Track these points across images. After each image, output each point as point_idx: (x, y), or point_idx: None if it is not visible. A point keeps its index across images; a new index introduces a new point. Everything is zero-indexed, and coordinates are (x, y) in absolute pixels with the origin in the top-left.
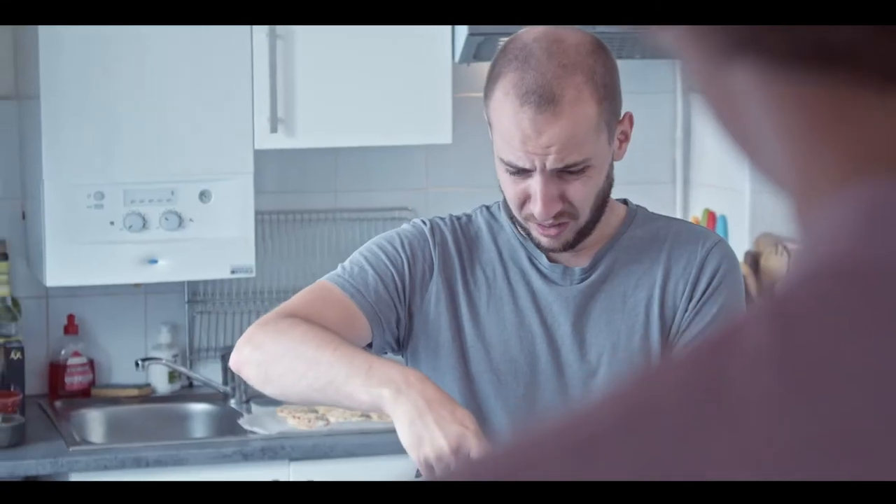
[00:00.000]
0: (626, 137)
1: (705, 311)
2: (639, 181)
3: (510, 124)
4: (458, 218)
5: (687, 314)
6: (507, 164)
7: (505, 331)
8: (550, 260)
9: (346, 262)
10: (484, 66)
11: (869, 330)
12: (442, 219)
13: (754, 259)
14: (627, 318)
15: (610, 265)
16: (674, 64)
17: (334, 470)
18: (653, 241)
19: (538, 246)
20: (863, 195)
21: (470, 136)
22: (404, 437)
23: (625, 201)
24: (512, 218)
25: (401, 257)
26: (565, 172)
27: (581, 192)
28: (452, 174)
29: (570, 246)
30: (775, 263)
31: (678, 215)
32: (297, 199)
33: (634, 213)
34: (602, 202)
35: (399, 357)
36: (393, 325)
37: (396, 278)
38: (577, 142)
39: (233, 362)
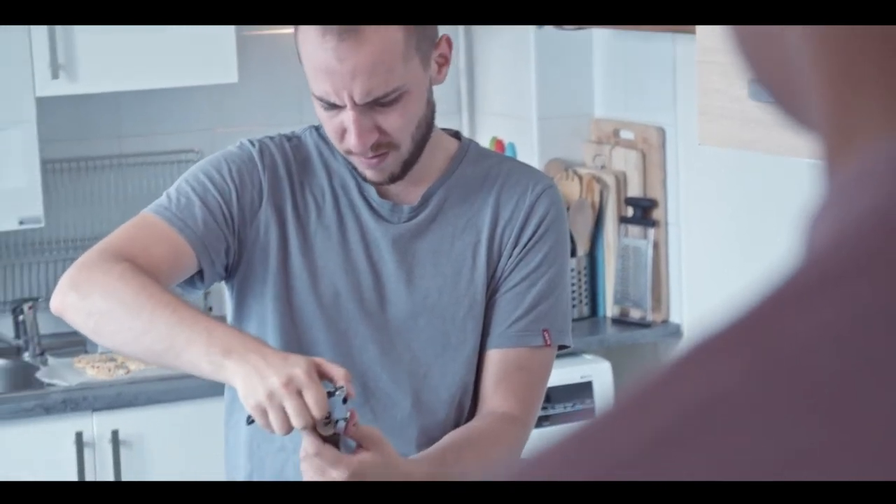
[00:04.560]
0: (445, 61)
1: (529, 259)
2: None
3: (314, 56)
4: (289, 139)
5: (511, 260)
6: (319, 98)
7: (331, 262)
8: (380, 195)
9: (172, 191)
10: None
11: None
12: (272, 138)
13: None
14: (454, 262)
15: (439, 204)
16: None
17: (139, 417)
18: (483, 181)
19: (364, 179)
20: None
21: (257, 74)
22: (242, 394)
23: (456, 134)
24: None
25: (228, 186)
26: (377, 104)
27: (397, 122)
28: (240, 114)
29: (396, 178)
30: (566, 189)
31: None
32: (82, 145)
33: (466, 149)
34: (425, 130)
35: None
36: (222, 255)
37: (224, 208)
38: (383, 69)
39: (55, 305)
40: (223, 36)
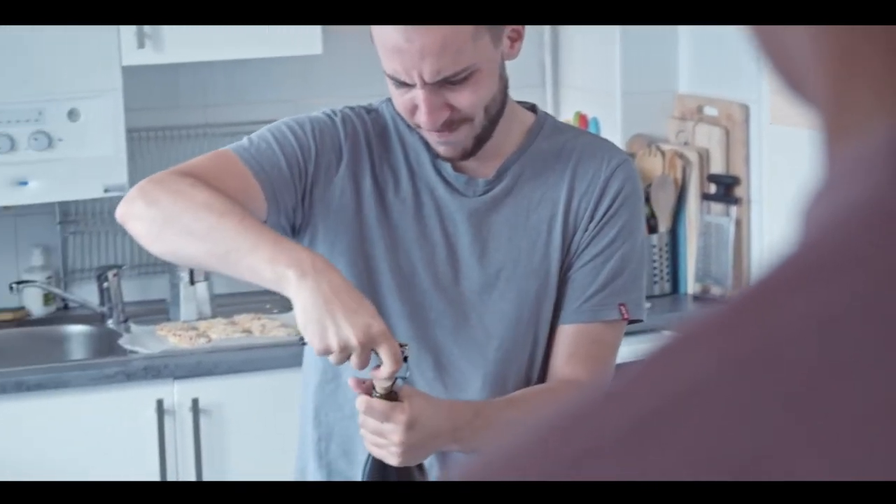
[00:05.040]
0: (518, 36)
1: (604, 233)
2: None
3: (384, 35)
4: (368, 111)
5: (586, 234)
6: (390, 76)
7: (407, 234)
8: (455, 169)
9: (254, 136)
10: None
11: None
12: (353, 109)
13: None
14: (529, 235)
15: (515, 178)
16: None
17: (219, 386)
18: (559, 156)
19: (438, 155)
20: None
21: (341, 46)
22: (306, 324)
23: (533, 108)
24: None
25: (309, 143)
26: (447, 83)
27: (468, 100)
28: (324, 85)
29: (469, 154)
30: (649, 164)
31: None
32: (168, 115)
33: (542, 123)
34: (499, 105)
35: None
36: (289, 209)
37: (301, 163)
38: (452, 50)
39: (120, 214)
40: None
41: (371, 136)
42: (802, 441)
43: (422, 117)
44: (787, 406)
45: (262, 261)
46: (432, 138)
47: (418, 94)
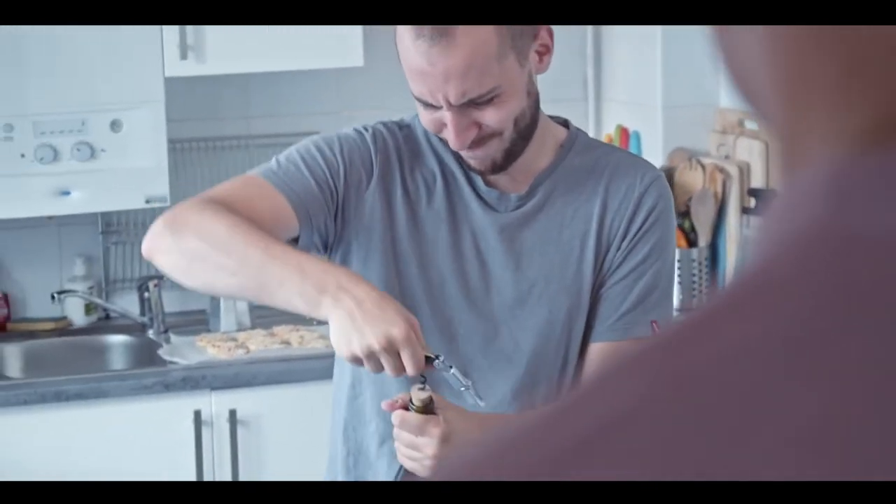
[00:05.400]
0: (546, 50)
1: (637, 251)
2: (551, 98)
3: (409, 58)
4: (401, 127)
5: (619, 252)
6: (416, 97)
7: (439, 249)
8: (488, 184)
9: (282, 158)
10: None
11: (842, 306)
12: (385, 125)
13: (668, 174)
14: (562, 251)
15: (547, 194)
16: None
17: (257, 397)
18: (591, 172)
19: (470, 168)
20: (848, 161)
21: (382, 58)
22: (337, 341)
23: (565, 123)
24: None
25: (337, 162)
26: (473, 104)
27: (495, 118)
28: (365, 97)
29: (500, 168)
30: (689, 178)
31: (591, 132)
32: (210, 126)
33: (574, 139)
34: (529, 120)
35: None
36: (322, 228)
37: (331, 182)
38: (476, 73)
39: (146, 248)
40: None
41: (403, 150)
42: (726, 462)
43: (450, 137)
44: (707, 428)
45: (292, 295)
46: (463, 153)
47: (445, 115)
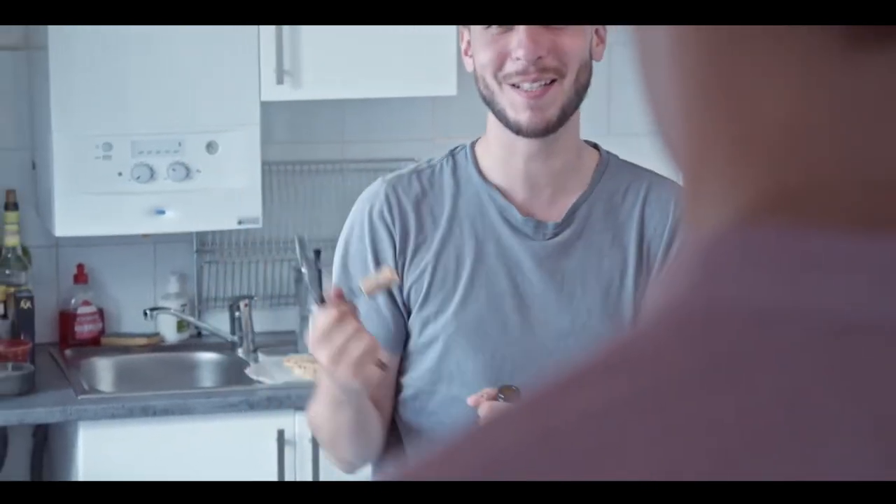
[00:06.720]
0: (601, 40)
1: None
2: (618, 132)
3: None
4: (420, 171)
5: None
6: (484, 31)
7: (473, 289)
8: (523, 213)
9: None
10: None
11: (693, 385)
12: (401, 176)
13: None
14: (603, 280)
15: (584, 219)
16: None
17: None
18: (626, 194)
19: (518, 131)
20: (724, 232)
21: (475, 88)
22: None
23: (595, 146)
24: (488, 101)
25: (390, 281)
26: (551, 27)
27: (569, 45)
28: (457, 125)
29: (552, 127)
30: None
31: (658, 167)
32: (304, 149)
33: (607, 162)
34: (586, 82)
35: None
36: (402, 326)
37: (401, 304)
38: None
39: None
40: (445, 49)
41: (421, 198)
42: None
43: (519, 51)
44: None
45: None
46: (520, 101)
47: (520, 31)
